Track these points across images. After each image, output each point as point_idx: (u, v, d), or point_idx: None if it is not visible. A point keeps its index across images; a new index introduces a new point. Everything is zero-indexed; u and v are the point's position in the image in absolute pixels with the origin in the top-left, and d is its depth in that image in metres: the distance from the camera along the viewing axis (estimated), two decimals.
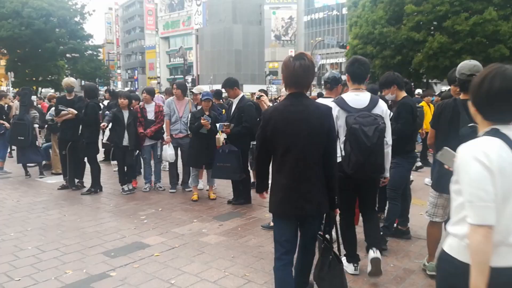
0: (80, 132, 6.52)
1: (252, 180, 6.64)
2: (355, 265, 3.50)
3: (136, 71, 77.69)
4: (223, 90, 6.32)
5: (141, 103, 6.91)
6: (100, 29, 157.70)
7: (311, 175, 2.55)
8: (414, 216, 4.64)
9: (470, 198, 1.42)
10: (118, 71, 76.54)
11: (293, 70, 2.50)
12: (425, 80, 16.87)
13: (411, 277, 3.47)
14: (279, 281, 2.67)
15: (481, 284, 1.37)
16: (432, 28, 15.53)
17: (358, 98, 3.29)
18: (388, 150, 3.35)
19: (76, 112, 6.33)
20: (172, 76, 63.94)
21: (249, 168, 6.34)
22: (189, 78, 47.28)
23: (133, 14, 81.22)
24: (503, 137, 1.47)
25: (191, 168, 6.31)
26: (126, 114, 6.44)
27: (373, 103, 3.26)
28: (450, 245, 1.57)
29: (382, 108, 3.31)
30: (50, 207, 5.72)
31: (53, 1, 32.09)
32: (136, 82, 72.00)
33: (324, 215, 2.83)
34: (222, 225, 4.91)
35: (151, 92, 6.95)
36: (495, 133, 1.49)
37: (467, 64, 3.07)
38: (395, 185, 4.11)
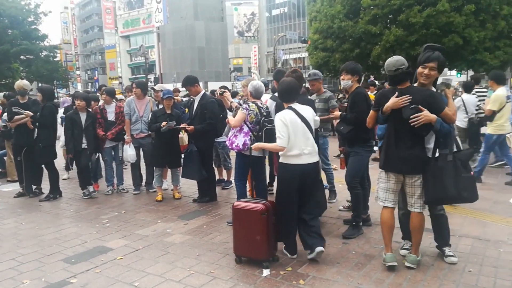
0: (35, 136, 6.26)
1: (217, 177, 6.64)
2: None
3: (96, 72, 75.38)
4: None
5: (100, 104, 6.72)
6: (56, 29, 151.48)
7: None
8: (374, 204, 4.76)
9: (278, 135, 3.53)
10: (77, 72, 73.91)
11: None
12: (383, 72, 17.39)
13: (372, 262, 3.59)
14: None
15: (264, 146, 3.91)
16: (388, 21, 16.00)
17: None
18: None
19: (31, 113, 6.08)
20: (134, 76, 62.55)
21: (214, 165, 6.34)
22: (151, 77, 46.34)
23: (91, 13, 78.66)
24: (291, 109, 3.62)
25: (154, 168, 6.21)
26: (83, 116, 6.24)
27: None
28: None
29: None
30: (5, 216, 5.47)
31: (3, 1, 30.49)
32: (97, 83, 69.75)
33: None
34: (187, 224, 4.87)
35: (110, 93, 6.77)
36: (289, 107, 3.63)
37: (391, 61, 3.36)
38: (354, 173, 4.23)
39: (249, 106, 4.53)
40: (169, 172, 6.48)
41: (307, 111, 3.71)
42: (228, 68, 57.89)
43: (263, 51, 62.18)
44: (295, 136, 3.53)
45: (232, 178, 6.63)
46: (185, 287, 3.23)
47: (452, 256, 3.51)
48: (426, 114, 3.11)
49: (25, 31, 32.83)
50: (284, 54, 53.24)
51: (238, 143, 4.55)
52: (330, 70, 17.21)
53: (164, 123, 5.63)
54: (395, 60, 3.36)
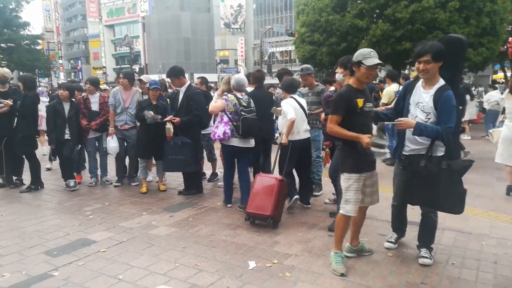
0: (15, 126, 6.09)
1: (211, 171, 6.60)
2: None
3: (79, 61, 73.79)
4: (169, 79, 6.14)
5: (84, 94, 6.57)
6: (38, 17, 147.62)
7: None
8: None
9: (287, 111, 4.67)
10: (60, 61, 72.19)
11: None
12: None
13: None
14: None
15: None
16: (374, 16, 16.04)
17: None
18: None
19: (11, 103, 5.90)
20: (119, 66, 61.46)
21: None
22: (136, 68, 45.68)
23: (74, 0, 76.78)
24: (293, 98, 4.85)
25: (139, 160, 6.12)
26: (67, 106, 6.10)
27: None
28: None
29: None
30: None
31: None
32: (80, 73, 68.47)
33: None
34: (172, 216, 4.82)
35: (95, 83, 6.63)
36: (291, 97, 4.85)
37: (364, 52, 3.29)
38: (338, 167, 4.23)
39: (228, 97, 4.84)
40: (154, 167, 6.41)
41: (302, 101, 5.00)
42: (214, 60, 57.44)
43: (249, 44, 61.85)
44: (296, 117, 4.67)
45: (217, 170, 6.63)
46: (170, 280, 3.20)
47: (426, 257, 3.36)
48: (406, 121, 3.14)
49: (6, 19, 31.95)
50: (271, 47, 53.08)
51: (219, 133, 4.81)
52: (317, 63, 17.18)
53: (150, 112, 5.54)
54: (369, 51, 3.21)
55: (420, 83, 3.27)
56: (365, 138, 3.11)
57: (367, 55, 3.15)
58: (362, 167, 3.28)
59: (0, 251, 3.84)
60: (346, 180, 3.31)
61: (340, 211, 3.35)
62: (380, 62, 3.16)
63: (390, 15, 14.88)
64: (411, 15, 14.32)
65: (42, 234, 4.27)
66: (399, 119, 3.17)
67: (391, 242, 3.75)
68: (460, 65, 3.37)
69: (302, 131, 4.82)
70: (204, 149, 6.57)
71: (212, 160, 6.62)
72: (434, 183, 3.03)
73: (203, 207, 5.18)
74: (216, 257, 3.61)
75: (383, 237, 3.94)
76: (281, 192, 4.39)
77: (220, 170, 6.62)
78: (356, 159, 3.26)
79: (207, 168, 6.78)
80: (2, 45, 33.53)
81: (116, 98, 6.11)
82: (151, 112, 5.56)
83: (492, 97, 11.20)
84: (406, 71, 17.53)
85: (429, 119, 3.14)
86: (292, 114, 4.65)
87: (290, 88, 4.99)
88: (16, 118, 6.09)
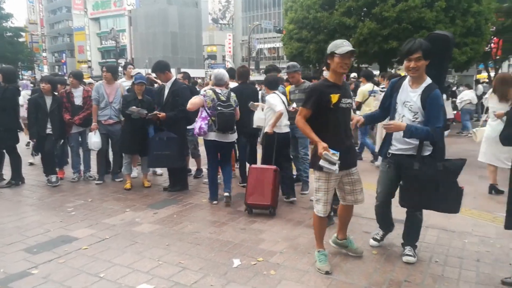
0: None
1: (197, 167, 6.53)
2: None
3: (64, 54, 72.36)
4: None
5: (67, 88, 6.42)
6: (22, 9, 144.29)
7: None
8: None
9: (275, 104, 4.93)
10: (44, 54, 70.76)
11: None
12: (356, 65, 17.52)
13: (342, 252, 3.60)
14: None
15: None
16: (362, 14, 16.10)
17: None
18: None
19: None
20: (104, 60, 60.61)
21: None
22: (122, 62, 45.05)
23: None
24: (275, 93, 5.08)
25: (123, 155, 6.02)
26: (49, 100, 5.95)
27: None
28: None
29: None
30: None
31: None
32: (65, 66, 67.13)
33: None
34: (157, 213, 4.76)
35: (78, 76, 6.48)
36: (274, 93, 5.09)
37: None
38: None
39: (206, 93, 4.91)
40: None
41: (283, 97, 5.14)
42: (202, 55, 57.00)
43: (237, 40, 61.58)
44: None
45: (203, 167, 6.57)
46: (153, 278, 3.14)
47: (410, 255, 3.36)
48: (396, 124, 3.07)
49: None
50: (259, 43, 52.90)
51: (196, 128, 4.93)
52: (304, 60, 17.18)
53: (134, 107, 5.45)
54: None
55: (407, 81, 3.21)
56: (320, 147, 3.02)
57: (340, 45, 3.05)
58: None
59: None
60: (316, 179, 3.23)
61: (314, 210, 3.32)
62: (353, 49, 3.03)
63: (377, 13, 14.95)
64: (398, 14, 14.42)
65: (22, 231, 4.17)
66: (389, 122, 3.13)
67: (376, 239, 3.75)
68: (446, 63, 3.35)
69: (283, 125, 5.03)
70: (189, 145, 6.51)
71: (197, 156, 6.56)
72: (432, 186, 3.01)
73: (188, 203, 5.13)
74: (200, 254, 3.57)
75: (368, 234, 3.95)
76: (277, 181, 4.71)
77: (205, 166, 6.57)
78: None
79: (193, 165, 6.71)
80: None
81: (100, 93, 5.97)
82: (135, 108, 5.46)
83: (465, 96, 11.52)
84: (393, 71, 17.65)
85: (416, 118, 3.10)
86: (280, 107, 4.91)
87: (273, 85, 5.19)
88: None
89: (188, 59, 52.52)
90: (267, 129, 4.98)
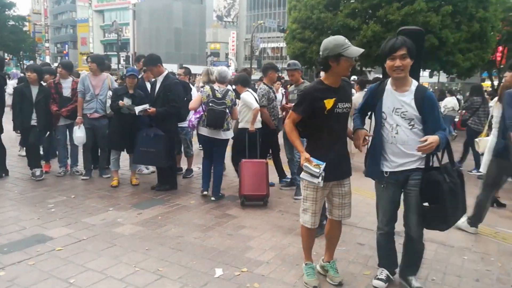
0: None
1: (187, 166, 6.29)
2: None
3: (66, 46, 72.10)
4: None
5: (56, 78, 6.17)
6: None
7: None
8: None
9: (251, 102, 5.22)
10: (46, 44, 70.46)
11: None
12: (359, 68, 17.28)
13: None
14: None
15: None
16: (367, 16, 15.87)
17: None
18: None
19: None
20: (106, 53, 60.29)
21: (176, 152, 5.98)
22: (123, 55, 44.82)
23: None
24: (248, 91, 5.39)
25: (111, 151, 5.78)
26: (35, 90, 5.71)
27: None
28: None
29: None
30: None
31: None
32: (67, 57, 66.86)
33: None
34: (141, 213, 4.52)
35: (67, 67, 6.22)
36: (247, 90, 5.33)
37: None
38: None
39: (204, 89, 5.07)
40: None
41: (255, 94, 5.41)
42: (204, 52, 56.74)
43: (241, 38, 61.29)
44: None
45: (193, 166, 6.34)
46: (126, 286, 2.91)
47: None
48: (431, 139, 2.52)
49: None
50: (262, 42, 52.63)
51: (188, 121, 5.35)
52: (306, 61, 16.95)
53: (121, 102, 5.21)
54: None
55: (389, 86, 2.76)
56: (302, 158, 2.75)
57: (346, 45, 2.66)
58: (328, 174, 2.74)
59: None
60: (304, 188, 2.91)
61: (300, 220, 3.02)
62: (363, 49, 2.77)
63: (382, 16, 14.74)
64: (403, 17, 14.20)
65: None
66: (425, 140, 2.52)
67: (381, 280, 3.00)
68: (420, 61, 3.03)
69: (257, 121, 5.32)
70: (182, 143, 6.27)
71: (189, 155, 6.32)
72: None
73: (175, 204, 4.89)
74: (181, 261, 3.33)
75: (362, 246, 3.72)
76: (268, 172, 5.02)
77: (197, 166, 6.35)
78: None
79: (184, 164, 6.47)
80: None
81: (85, 85, 5.69)
82: (124, 102, 5.22)
83: (448, 103, 11.59)
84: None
85: (412, 125, 2.67)
86: (256, 104, 5.19)
87: (246, 83, 5.47)
88: None
89: (190, 55, 52.30)
90: (248, 126, 5.22)
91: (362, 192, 5.23)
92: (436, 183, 2.60)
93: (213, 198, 5.08)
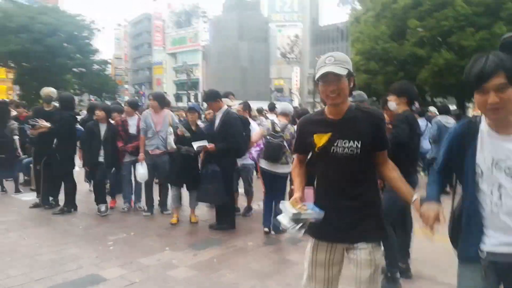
0: (55, 146, 6.03)
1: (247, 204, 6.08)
2: None
3: (143, 86, 77.92)
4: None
5: (122, 116, 6.42)
6: (109, 45, 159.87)
7: None
8: (416, 250, 3.98)
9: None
10: (126, 86, 76.84)
11: None
12: (429, 99, 16.28)
13: None
14: None
15: None
16: (436, 43, 15.06)
17: None
18: None
19: (48, 125, 5.85)
20: (178, 92, 64.03)
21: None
22: (193, 94, 47.18)
23: (141, 30, 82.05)
24: None
25: (170, 187, 5.75)
26: (103, 128, 5.95)
27: None
28: None
29: None
30: (12, 228, 5.19)
31: (60, 16, 32.28)
32: (143, 97, 72.17)
33: None
34: (196, 255, 4.32)
35: (133, 105, 6.47)
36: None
37: None
38: (385, 212, 3.40)
39: (266, 122, 5.37)
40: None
41: None
42: (269, 88, 57.94)
43: (305, 73, 61.79)
44: None
45: (253, 204, 6.11)
46: None
47: None
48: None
49: (79, 45, 34.51)
50: None
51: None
52: (372, 93, 16.39)
53: (179, 130, 5.40)
54: None
55: (486, 127, 1.71)
56: (292, 197, 2.04)
57: (320, 64, 1.96)
58: (324, 231, 2.03)
59: (4, 281, 3.54)
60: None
61: None
62: (333, 72, 1.89)
63: (454, 43, 13.85)
64: (478, 43, 13.22)
65: (55, 265, 3.94)
66: None
67: None
68: None
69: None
70: (243, 182, 6.09)
71: (249, 194, 6.09)
72: None
73: (232, 246, 4.64)
74: None
75: None
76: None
77: (258, 203, 6.10)
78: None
79: (244, 202, 6.24)
80: (75, 69, 36.16)
81: (147, 122, 5.82)
82: (183, 146, 5.32)
83: None
84: (470, 105, 16.07)
85: None
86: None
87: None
88: (55, 139, 6.03)
89: (256, 91, 53.69)
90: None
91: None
92: None
93: (272, 232, 5.04)
